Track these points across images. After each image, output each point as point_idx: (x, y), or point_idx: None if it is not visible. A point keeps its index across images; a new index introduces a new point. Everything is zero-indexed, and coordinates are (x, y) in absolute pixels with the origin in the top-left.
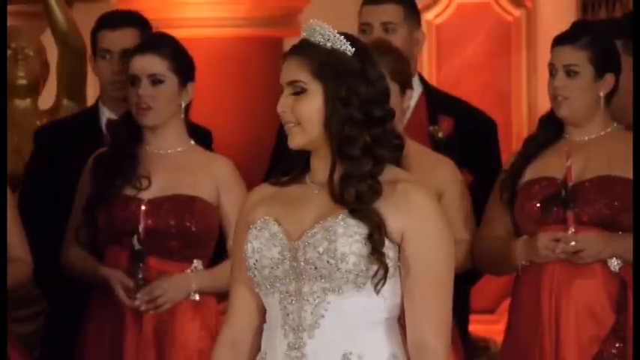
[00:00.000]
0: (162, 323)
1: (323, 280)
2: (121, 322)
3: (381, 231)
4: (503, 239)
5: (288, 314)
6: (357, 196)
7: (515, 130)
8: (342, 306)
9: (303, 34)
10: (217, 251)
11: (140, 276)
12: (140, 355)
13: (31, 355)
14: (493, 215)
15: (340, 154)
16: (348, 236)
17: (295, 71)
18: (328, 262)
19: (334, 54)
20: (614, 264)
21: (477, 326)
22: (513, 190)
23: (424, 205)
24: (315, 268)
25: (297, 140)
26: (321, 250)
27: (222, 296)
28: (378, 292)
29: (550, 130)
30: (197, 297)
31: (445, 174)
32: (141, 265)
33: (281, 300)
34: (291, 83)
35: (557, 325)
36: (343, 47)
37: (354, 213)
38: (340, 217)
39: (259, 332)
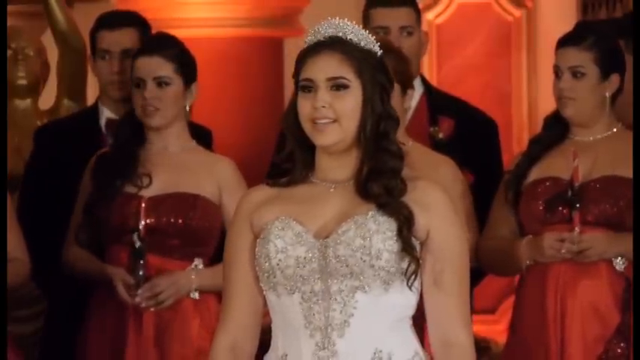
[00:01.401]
0: (162, 321)
1: (352, 278)
2: (122, 320)
3: (410, 224)
4: (507, 239)
5: (313, 314)
6: (387, 191)
7: (516, 130)
8: (370, 304)
9: (331, 31)
10: (218, 251)
11: (141, 273)
12: (141, 352)
13: (26, 356)
14: (498, 216)
15: (376, 149)
16: (381, 233)
17: (338, 67)
18: (362, 259)
19: (370, 53)
20: (620, 263)
21: (478, 326)
22: (518, 190)
23: (444, 201)
24: (347, 265)
25: (332, 137)
26: (354, 247)
27: None
28: (410, 286)
29: (555, 130)
30: (196, 295)
31: (446, 173)
32: (141, 262)
33: (303, 300)
34: (334, 79)
35: (563, 324)
36: (375, 48)
37: (383, 207)
38: (370, 214)
39: (258, 333)
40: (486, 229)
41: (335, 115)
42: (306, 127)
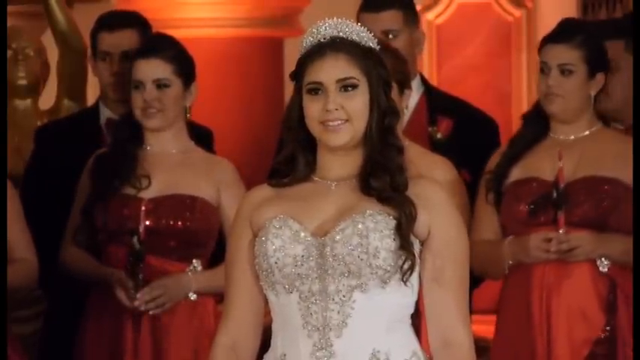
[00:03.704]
0: (160, 322)
1: (350, 277)
2: (119, 322)
3: (411, 221)
4: (490, 242)
5: (311, 314)
6: (393, 186)
7: (516, 130)
8: (368, 304)
9: (330, 31)
10: (216, 251)
11: (140, 276)
12: (139, 354)
13: (29, 356)
14: (480, 217)
15: (382, 145)
16: (379, 231)
17: (346, 68)
18: (359, 257)
19: (370, 50)
20: (603, 264)
21: (478, 326)
22: (499, 190)
23: (445, 199)
24: (345, 264)
25: (346, 137)
26: (352, 245)
27: (223, 297)
28: (406, 282)
29: (535, 128)
30: (194, 297)
31: (442, 174)
32: (141, 265)
33: (301, 300)
34: (343, 80)
35: (549, 325)
36: (374, 44)
37: (386, 201)
38: (368, 213)
39: (259, 333)
40: (470, 233)
41: (346, 115)
42: (316, 129)
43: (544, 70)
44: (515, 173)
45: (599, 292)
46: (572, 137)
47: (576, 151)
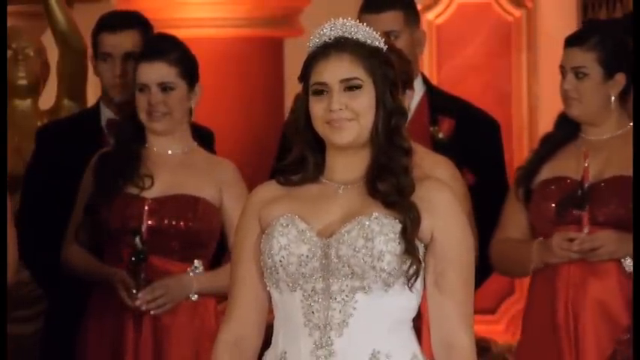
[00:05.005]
0: (161, 322)
1: (353, 279)
2: (121, 321)
3: (415, 226)
4: (517, 242)
5: (312, 312)
6: (398, 190)
7: (516, 130)
8: (370, 305)
9: (336, 32)
10: (217, 252)
11: (142, 276)
12: (140, 353)
13: (26, 356)
14: (509, 216)
15: (388, 146)
16: (384, 234)
17: (350, 68)
18: (364, 260)
19: (377, 50)
20: (629, 264)
21: (478, 326)
22: (528, 187)
23: (449, 202)
24: (348, 265)
25: (351, 135)
26: (357, 247)
27: (224, 297)
28: (411, 287)
29: (566, 128)
30: (195, 297)
31: (444, 174)
32: (143, 264)
33: (304, 298)
34: (347, 80)
35: (576, 325)
36: (380, 44)
37: (391, 206)
38: (374, 216)
39: (262, 331)
40: (498, 230)
41: (352, 114)
42: (321, 128)
43: (562, 74)
44: (545, 172)
45: (624, 291)
46: (601, 138)
47: (605, 151)
